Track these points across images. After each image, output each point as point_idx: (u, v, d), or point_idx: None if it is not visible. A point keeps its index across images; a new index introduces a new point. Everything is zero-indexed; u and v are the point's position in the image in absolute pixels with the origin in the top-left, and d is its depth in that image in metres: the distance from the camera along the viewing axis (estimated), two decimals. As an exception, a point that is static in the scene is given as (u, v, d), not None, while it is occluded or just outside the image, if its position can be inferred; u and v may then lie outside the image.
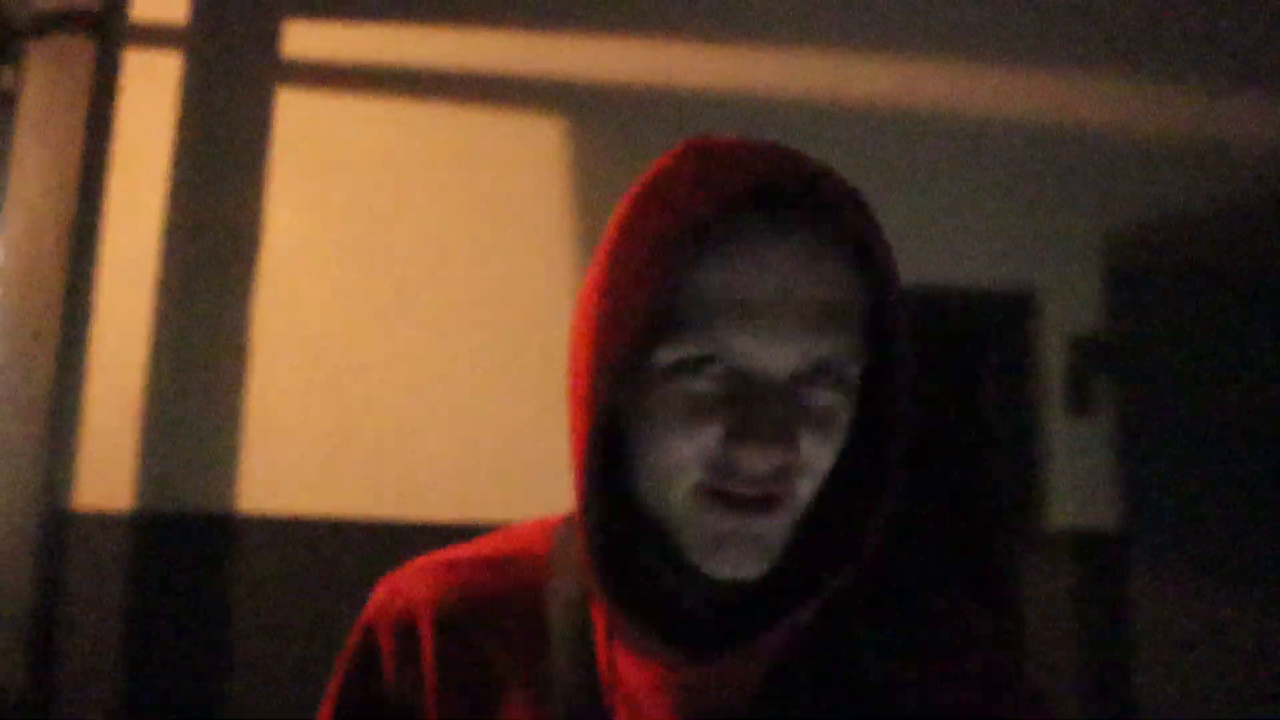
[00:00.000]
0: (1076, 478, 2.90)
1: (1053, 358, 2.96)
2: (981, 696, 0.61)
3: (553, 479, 2.87)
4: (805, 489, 0.55)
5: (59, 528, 2.70)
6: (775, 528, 0.54)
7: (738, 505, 0.53)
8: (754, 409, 0.52)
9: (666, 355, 0.53)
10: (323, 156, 3.07)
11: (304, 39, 3.12)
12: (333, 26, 3.13)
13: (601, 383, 0.53)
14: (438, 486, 2.88)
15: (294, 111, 3.09)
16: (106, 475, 2.77)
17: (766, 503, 0.53)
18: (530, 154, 3.05)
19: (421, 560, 0.69)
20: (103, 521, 2.74)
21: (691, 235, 0.51)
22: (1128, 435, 2.82)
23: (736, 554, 0.54)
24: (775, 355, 0.52)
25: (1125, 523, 2.79)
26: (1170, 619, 2.70)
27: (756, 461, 0.51)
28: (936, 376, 4.67)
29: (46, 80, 2.79)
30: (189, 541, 2.85)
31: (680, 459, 0.53)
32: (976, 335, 3.42)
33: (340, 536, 2.85)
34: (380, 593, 0.68)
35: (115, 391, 2.81)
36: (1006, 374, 3.19)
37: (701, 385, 0.53)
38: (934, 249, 3.03)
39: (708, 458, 0.53)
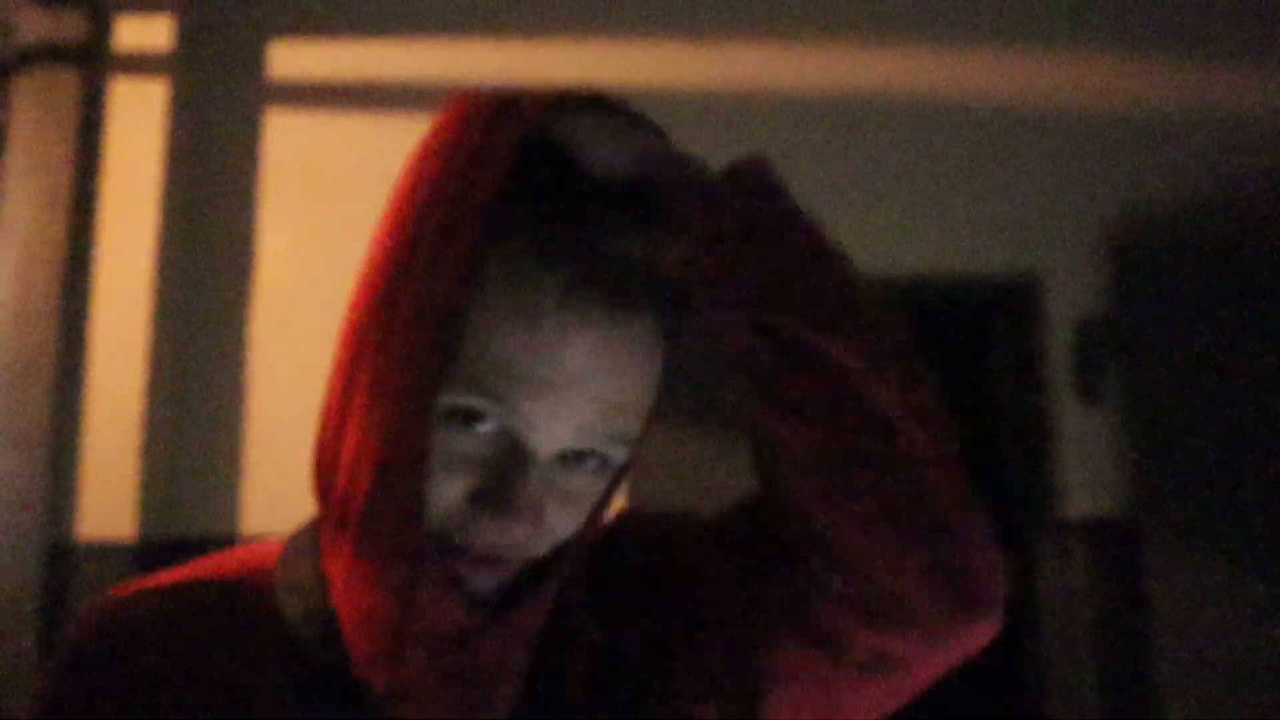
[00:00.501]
0: (1087, 464, 2.84)
1: (1060, 343, 2.90)
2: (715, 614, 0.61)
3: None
4: (542, 547, 0.53)
5: (62, 560, 2.69)
6: (498, 580, 0.53)
7: (469, 559, 0.51)
8: (511, 482, 0.49)
9: (447, 401, 0.49)
10: (314, 177, 3.06)
11: (291, 59, 3.12)
12: (319, 45, 3.13)
13: (418, 434, 0.49)
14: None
15: (283, 133, 3.09)
16: (108, 505, 2.76)
17: (496, 561, 0.52)
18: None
19: (129, 587, 0.62)
20: (106, 551, 2.73)
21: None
22: (1137, 420, 2.76)
23: (468, 586, 0.52)
24: (552, 433, 0.50)
25: (1136, 509, 2.73)
26: (1183, 605, 2.63)
27: (497, 534, 0.50)
28: (943, 365, 4.62)
29: (34, 113, 2.80)
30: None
31: (435, 510, 0.51)
32: (982, 322, 3.37)
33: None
34: (91, 618, 0.59)
35: (114, 420, 2.81)
36: (1014, 361, 3.13)
37: (465, 442, 0.50)
38: (938, 237, 2.98)
39: (451, 512, 0.51)
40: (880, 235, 2.89)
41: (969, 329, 4.10)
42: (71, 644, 0.58)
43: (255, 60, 3.12)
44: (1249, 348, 2.71)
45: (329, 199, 3.05)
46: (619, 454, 0.53)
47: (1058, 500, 2.86)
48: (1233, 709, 2.56)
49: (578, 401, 0.49)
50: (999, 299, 3.14)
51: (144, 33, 3.00)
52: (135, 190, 2.94)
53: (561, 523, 0.53)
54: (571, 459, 0.52)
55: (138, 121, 2.98)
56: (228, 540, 2.94)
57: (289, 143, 3.08)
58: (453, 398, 0.49)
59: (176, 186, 3.00)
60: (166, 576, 0.62)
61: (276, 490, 2.89)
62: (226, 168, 3.07)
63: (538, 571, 0.55)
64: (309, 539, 0.61)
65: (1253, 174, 2.94)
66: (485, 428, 0.50)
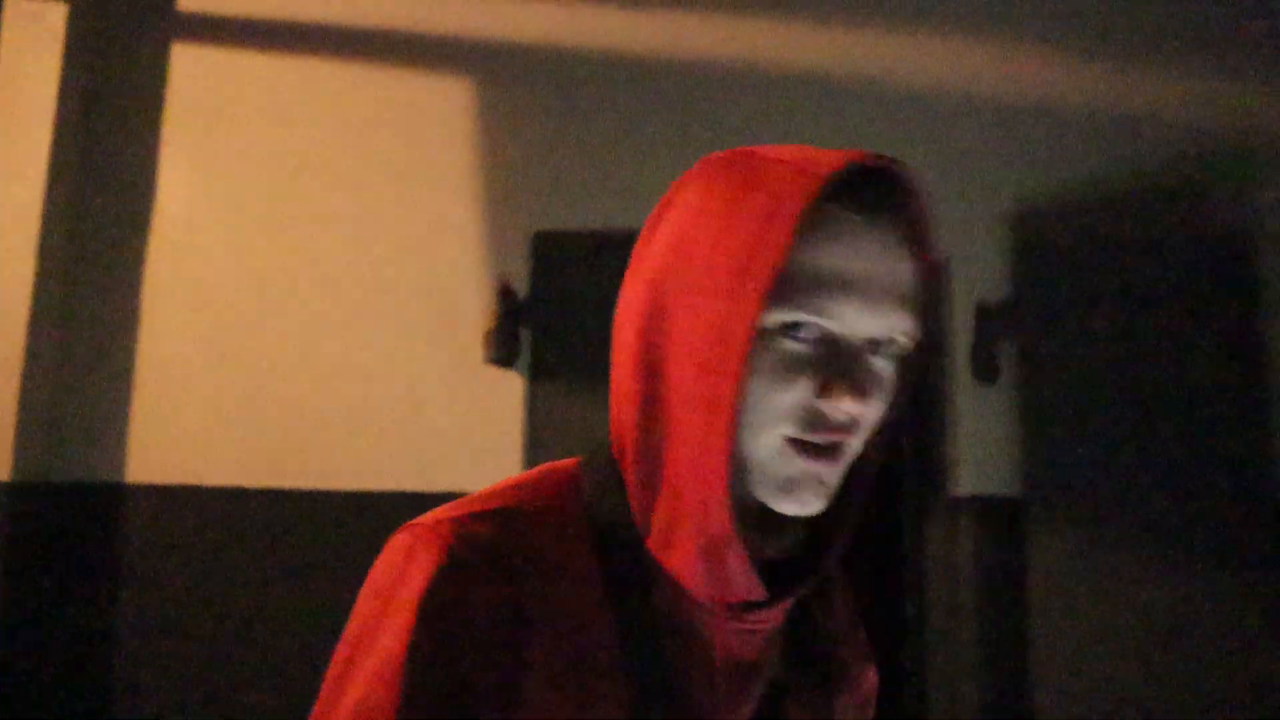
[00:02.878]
0: (981, 444, 2.91)
1: (959, 325, 2.97)
2: (855, 645, 0.81)
3: (451, 446, 2.80)
4: (859, 440, 0.64)
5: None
6: (836, 472, 0.64)
7: (813, 453, 0.62)
8: (842, 367, 0.60)
9: (776, 318, 0.60)
10: (218, 114, 2.96)
11: (201, -7, 3.01)
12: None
13: (743, 341, 0.59)
14: (334, 456, 2.80)
15: (189, 66, 2.98)
16: (-19, 442, 2.64)
17: (834, 450, 0.63)
18: (434, 114, 2.97)
19: (458, 510, 0.65)
20: (-23, 490, 2.61)
21: (806, 208, 0.59)
22: (1030, 402, 2.84)
23: (806, 494, 0.63)
24: (862, 324, 0.61)
25: (1027, 489, 2.81)
26: (1063, 582, 2.73)
27: (842, 412, 0.60)
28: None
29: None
30: (71, 513, 2.74)
31: (776, 411, 0.61)
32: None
33: (233, 506, 2.76)
34: (441, 539, 0.62)
35: (-8, 355, 2.68)
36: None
37: (797, 346, 0.61)
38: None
39: (801, 408, 0.61)
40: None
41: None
42: (425, 557, 0.61)
43: (163, -10, 3.00)
44: (1142, 333, 2.81)
45: (233, 138, 2.95)
46: (907, 345, 0.65)
47: (950, 477, 2.94)
48: (1104, 680, 2.66)
49: (877, 293, 0.61)
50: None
51: (43, -49, 2.86)
52: (28, 116, 2.81)
53: (872, 411, 0.64)
54: (875, 346, 0.63)
55: (34, 44, 2.84)
56: (109, 488, 2.84)
57: (195, 77, 2.97)
58: (778, 315, 0.60)
59: (73, 114, 2.88)
60: (479, 501, 0.67)
61: (166, 437, 2.80)
62: (128, 98, 2.95)
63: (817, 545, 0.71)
64: (612, 479, 0.70)
65: (1152, 166, 3.05)
66: (809, 332, 0.61)
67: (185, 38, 2.99)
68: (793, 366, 0.61)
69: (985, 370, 2.89)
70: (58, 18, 2.86)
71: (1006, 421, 2.91)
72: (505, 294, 2.83)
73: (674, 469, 0.65)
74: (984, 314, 2.93)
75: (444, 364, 2.85)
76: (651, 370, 0.66)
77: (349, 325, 2.86)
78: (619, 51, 3.03)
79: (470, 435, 2.81)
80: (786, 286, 0.60)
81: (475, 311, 2.87)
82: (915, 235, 0.66)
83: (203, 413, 2.82)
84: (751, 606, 0.65)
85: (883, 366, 0.64)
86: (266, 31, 3.00)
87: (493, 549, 0.62)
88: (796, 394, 0.61)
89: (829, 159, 0.62)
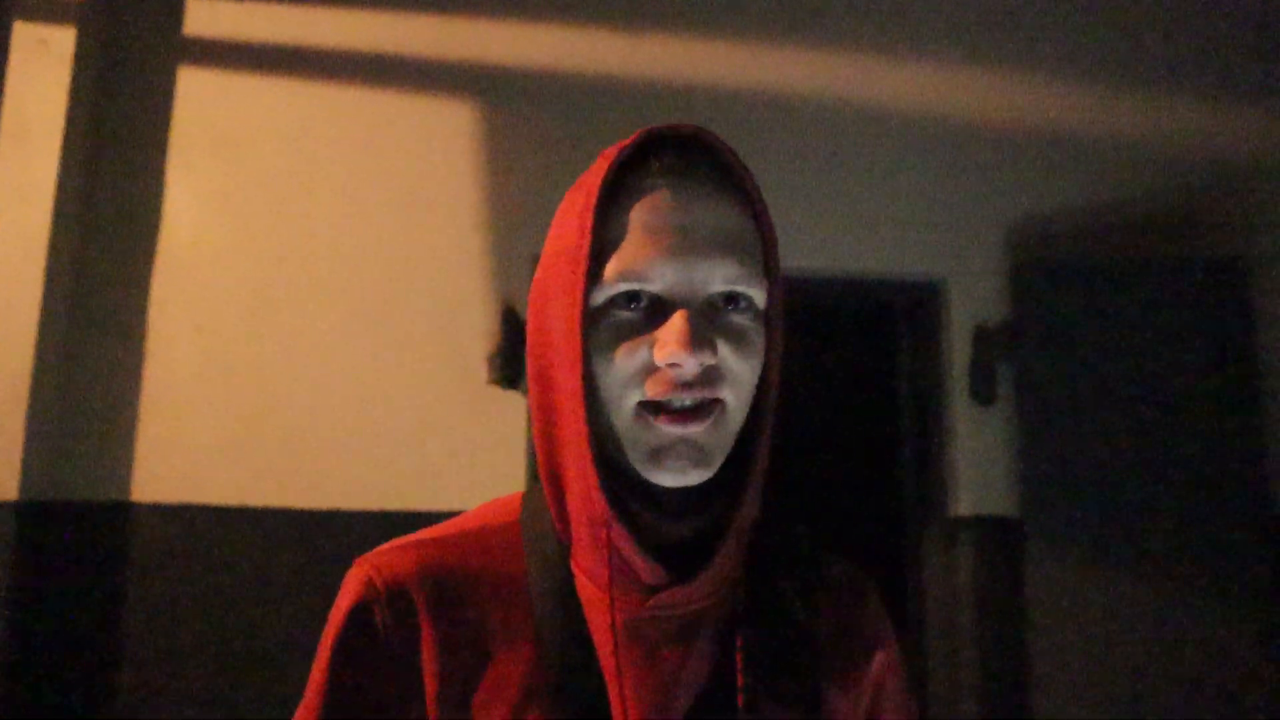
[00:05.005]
0: (980, 465, 2.94)
1: (958, 347, 3.00)
2: (868, 648, 0.77)
3: (454, 467, 2.83)
4: (732, 399, 0.64)
5: (-65, 517, 2.58)
6: (709, 436, 0.63)
7: (672, 416, 0.61)
8: (676, 323, 0.60)
9: (603, 294, 0.63)
10: (224, 138, 2.99)
11: (207, 16, 3.04)
12: (237, 3, 3.05)
13: (578, 323, 0.62)
14: (338, 475, 2.82)
15: (195, 91, 3.01)
16: (-11, 463, 2.66)
17: (698, 410, 0.62)
18: (438, 138, 3.00)
19: (398, 541, 0.72)
20: (-17, 511, 2.62)
21: (608, 184, 0.63)
22: (1029, 424, 2.86)
23: (677, 462, 0.62)
24: (687, 280, 0.62)
25: (1025, 510, 2.83)
26: (1060, 602, 2.75)
27: (681, 363, 0.60)
28: (847, 363, 4.74)
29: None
30: (77, 531, 2.75)
31: (623, 379, 0.62)
32: (886, 323, 3.46)
33: (238, 525, 2.77)
34: (364, 572, 0.68)
35: (1, 378, 2.70)
36: (914, 361, 3.23)
37: (630, 315, 0.63)
38: (843, 241, 3.05)
39: (645, 372, 0.62)
40: (790, 236, 2.95)
41: (873, 329, 4.20)
42: (352, 605, 0.67)
43: (172, 14, 3.03)
44: (1138, 355, 2.84)
45: (239, 162, 2.98)
46: (756, 296, 0.65)
47: (949, 497, 2.96)
48: (1103, 699, 2.68)
49: (697, 247, 0.62)
50: (903, 301, 3.24)
51: (52, -23, 2.89)
52: (35, 140, 2.83)
53: (735, 362, 0.63)
54: (719, 303, 0.64)
55: (42, 68, 2.87)
56: (115, 507, 2.86)
57: (201, 101, 3.00)
58: (604, 292, 0.63)
59: (80, 138, 2.90)
60: (429, 532, 0.73)
61: (171, 456, 2.82)
62: (135, 123, 2.98)
63: (719, 527, 0.68)
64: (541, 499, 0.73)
65: (1145, 189, 3.08)
66: (641, 302, 0.63)
67: (192, 62, 3.02)
68: (629, 335, 0.62)
69: (983, 391, 2.92)
70: (65, 41, 2.89)
71: (1004, 442, 2.94)
72: (508, 316, 2.86)
73: (565, 468, 0.67)
74: (981, 336, 2.96)
75: (447, 385, 2.88)
76: (543, 380, 0.68)
77: (353, 346, 2.89)
78: (622, 77, 3.07)
79: (473, 456, 2.84)
80: (608, 264, 0.62)
81: (478, 333, 2.89)
82: (732, 188, 0.66)
83: (208, 432, 2.83)
84: (654, 590, 0.65)
85: (737, 322, 0.64)
86: (273, 56, 3.03)
87: (413, 580, 0.67)
88: (638, 359, 0.62)
89: (634, 137, 0.65)
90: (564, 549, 0.69)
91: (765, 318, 0.67)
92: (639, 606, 0.66)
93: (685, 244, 0.62)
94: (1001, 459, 2.93)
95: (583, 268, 0.62)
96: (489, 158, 3.00)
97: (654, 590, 0.65)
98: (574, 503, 0.66)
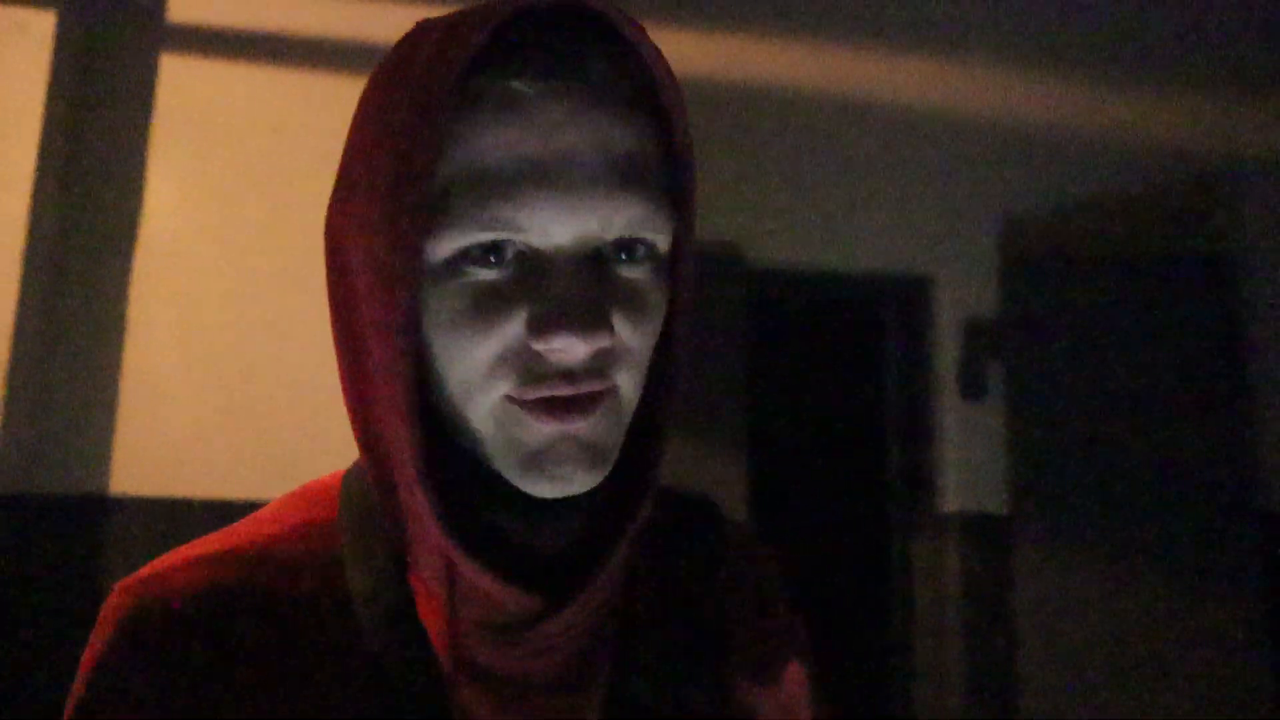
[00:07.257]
0: (969, 461, 2.93)
1: (948, 343, 2.99)
2: (766, 615, 0.63)
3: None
4: (627, 381, 0.47)
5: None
6: (602, 430, 0.47)
7: (552, 411, 0.45)
8: (556, 293, 0.44)
9: (450, 245, 0.44)
10: (207, 126, 2.94)
11: (191, 2, 3.00)
12: (223, -8, 3.01)
13: (408, 282, 0.44)
14: (321, 468, 2.78)
15: (178, 78, 2.96)
16: (-37, 454, 2.61)
17: (587, 401, 0.45)
18: (425, 128, 2.97)
19: (174, 556, 0.52)
20: (-42, 503, 2.58)
21: (447, 88, 0.43)
22: (1019, 420, 2.85)
23: (563, 466, 0.46)
24: (570, 226, 0.44)
25: (1014, 507, 2.82)
26: (1048, 598, 2.74)
27: (568, 350, 0.44)
28: (836, 359, 4.72)
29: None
30: (54, 525, 2.71)
31: (482, 366, 0.45)
32: (875, 319, 3.44)
33: (219, 518, 2.73)
34: (126, 605, 0.49)
35: (-25, 366, 2.66)
36: (903, 357, 3.21)
37: (490, 274, 0.44)
38: (834, 235, 3.03)
39: (513, 357, 0.45)
40: (779, 232, 2.93)
41: (862, 325, 4.19)
42: (107, 631, 0.49)
43: (155, 0, 2.99)
44: (1128, 351, 2.83)
45: (222, 151, 2.94)
46: (658, 240, 0.47)
47: (938, 494, 2.95)
48: (1091, 694, 2.67)
49: (580, 180, 0.44)
50: (892, 298, 3.23)
51: (32, -40, 2.84)
52: (14, 126, 2.79)
53: (631, 336, 0.47)
54: (610, 252, 0.46)
55: (21, 53, 2.82)
56: (93, 500, 2.82)
57: (183, 89, 2.96)
58: (451, 241, 0.44)
59: (60, 125, 2.85)
60: (214, 542, 0.53)
61: (150, 449, 2.77)
62: (116, 110, 2.93)
63: (604, 534, 0.52)
64: (368, 497, 0.55)
65: (1136, 185, 3.08)
66: (504, 255, 0.45)
67: (174, 48, 2.98)
68: (488, 304, 0.44)
69: (973, 388, 2.91)
70: (46, 27, 2.84)
71: (994, 438, 2.93)
72: (495, 308, 2.83)
73: (390, 465, 0.49)
74: (971, 332, 2.95)
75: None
76: (351, 339, 0.50)
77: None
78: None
79: (458, 450, 2.81)
80: (454, 201, 0.43)
81: (464, 325, 2.86)
82: (635, 88, 0.47)
83: (189, 424, 2.79)
84: (525, 623, 0.48)
85: (635, 278, 0.47)
86: (255, 42, 2.99)
87: (198, 613, 0.48)
88: (503, 339, 0.45)
89: (487, 13, 0.44)
90: (399, 560, 0.51)
91: (670, 267, 0.50)
92: (498, 646, 0.49)
93: (575, 178, 0.43)
94: (990, 456, 2.92)
95: (415, 206, 0.43)
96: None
97: (520, 620, 0.49)
98: (407, 510, 0.49)
